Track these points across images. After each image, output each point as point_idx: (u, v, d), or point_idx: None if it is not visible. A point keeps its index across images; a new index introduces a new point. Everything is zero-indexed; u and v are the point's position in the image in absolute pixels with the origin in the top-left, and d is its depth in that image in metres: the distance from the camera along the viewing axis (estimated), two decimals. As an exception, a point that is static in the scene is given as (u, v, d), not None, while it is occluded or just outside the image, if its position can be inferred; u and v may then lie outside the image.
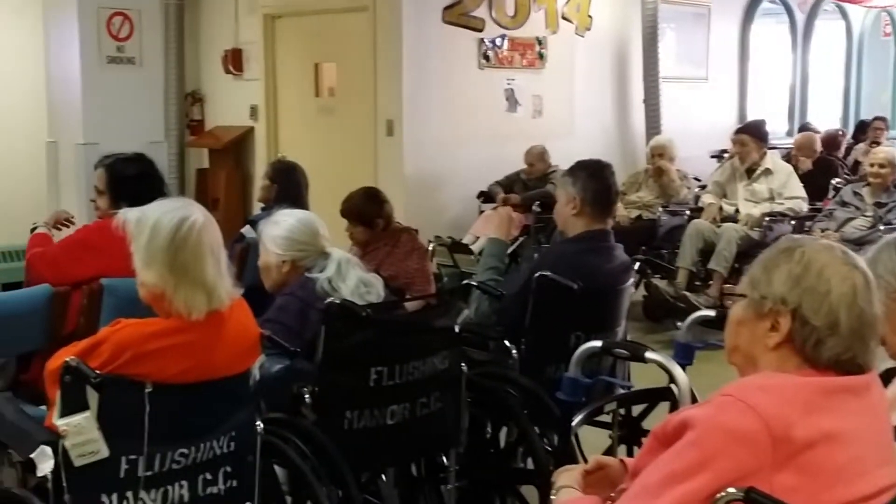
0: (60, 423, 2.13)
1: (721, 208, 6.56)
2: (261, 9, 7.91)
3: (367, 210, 4.58)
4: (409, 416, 2.90)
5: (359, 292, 3.05)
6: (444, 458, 3.16)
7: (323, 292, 3.00)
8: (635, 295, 3.85)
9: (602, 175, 3.48)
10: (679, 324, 6.13)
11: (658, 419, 3.11)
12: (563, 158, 6.42)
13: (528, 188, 7.24)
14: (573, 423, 2.68)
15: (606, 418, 3.13)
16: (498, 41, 7.66)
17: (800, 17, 10.66)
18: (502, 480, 3.34)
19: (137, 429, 2.20)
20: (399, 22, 7.05)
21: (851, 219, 6.24)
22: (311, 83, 7.84)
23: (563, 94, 8.15)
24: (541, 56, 7.97)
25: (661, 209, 6.81)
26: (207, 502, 2.38)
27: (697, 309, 5.27)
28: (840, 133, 9.68)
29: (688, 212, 6.73)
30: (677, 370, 2.65)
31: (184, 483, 2.32)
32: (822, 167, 7.92)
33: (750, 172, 6.60)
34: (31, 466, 2.20)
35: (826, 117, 10.95)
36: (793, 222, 6.36)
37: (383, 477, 3.08)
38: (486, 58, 7.61)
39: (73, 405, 2.14)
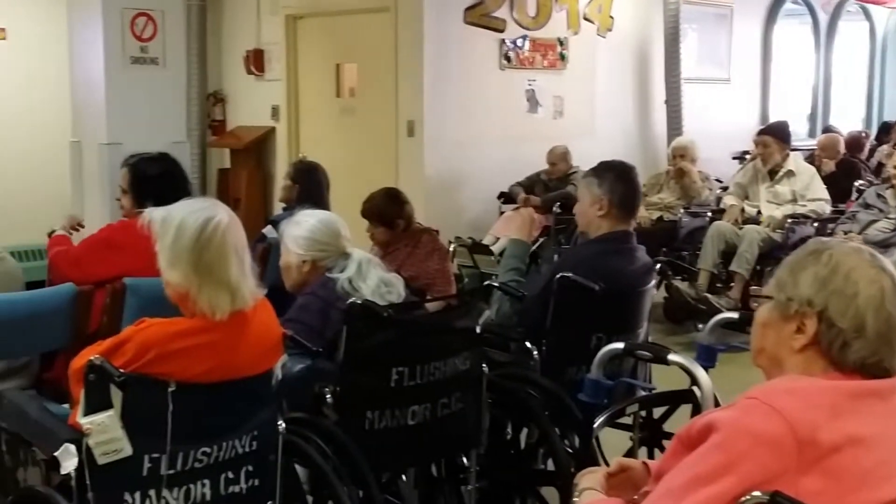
0: (84, 422, 2.15)
1: (743, 210, 6.53)
2: (283, 9, 7.93)
3: (387, 211, 4.59)
4: (430, 417, 2.90)
5: (379, 292, 3.06)
6: (465, 459, 3.16)
7: (343, 292, 3.00)
8: (656, 297, 3.83)
9: (629, 177, 3.49)
10: (700, 326, 6.18)
11: (679, 422, 3.12)
12: (583, 159, 6.41)
13: (548, 189, 7.23)
14: (595, 425, 2.67)
15: (627, 420, 3.12)
16: (519, 42, 7.65)
17: (823, 18, 10.59)
18: (523, 481, 3.33)
19: (160, 427, 2.21)
20: (420, 23, 7.05)
21: (875, 221, 6.18)
22: (333, 84, 7.86)
23: (585, 95, 8.14)
24: (562, 57, 7.96)
25: (682, 211, 6.79)
26: (229, 501, 2.38)
27: (718, 311, 5.25)
28: (863, 134, 9.61)
29: (709, 213, 6.70)
30: (700, 372, 2.64)
31: (206, 482, 2.33)
32: (846, 169, 7.87)
33: (772, 174, 6.57)
34: (54, 464, 2.22)
35: (849, 119, 10.87)
36: (815, 224, 6.32)
37: (403, 477, 3.09)
38: (508, 58, 7.60)
39: (97, 404, 2.15)
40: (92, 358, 2.16)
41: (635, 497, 1.77)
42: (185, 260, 2.32)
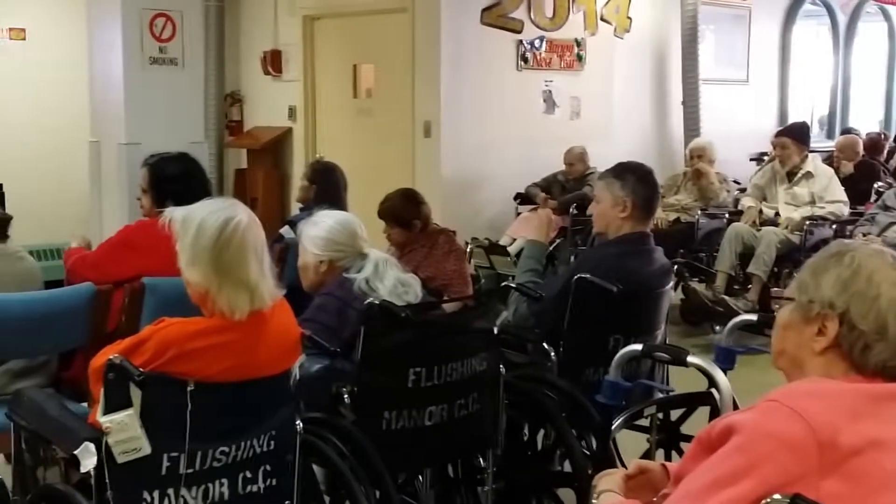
0: (104, 420, 2.15)
1: (761, 211, 6.50)
2: (300, 10, 7.96)
3: (404, 211, 4.59)
4: (447, 418, 2.90)
5: (396, 292, 3.06)
6: (481, 460, 3.16)
7: (361, 292, 3.01)
8: (672, 298, 3.82)
9: (651, 179, 3.50)
10: (717, 328, 6.16)
11: (696, 424, 3.11)
12: (600, 160, 6.40)
13: (565, 190, 7.22)
14: (612, 427, 2.67)
15: (644, 422, 3.11)
16: (536, 43, 7.64)
17: (842, 19, 10.54)
18: (539, 483, 3.33)
19: (179, 426, 2.22)
20: (437, 23, 7.06)
21: (894, 223, 6.15)
22: (350, 84, 7.88)
23: (602, 96, 8.12)
24: (579, 58, 7.95)
25: (699, 212, 6.76)
26: (247, 500, 2.39)
27: (736, 313, 5.23)
28: (882, 136, 9.56)
29: (727, 215, 6.68)
30: (719, 375, 2.63)
31: (224, 481, 2.34)
32: (864, 171, 7.83)
33: (791, 175, 6.53)
34: (74, 463, 2.22)
35: (868, 120, 10.81)
36: (834, 226, 6.29)
37: (420, 478, 3.08)
38: (525, 59, 7.60)
39: (116, 402, 2.16)
40: (111, 357, 2.17)
41: (654, 499, 1.76)
42: (204, 259, 2.32)
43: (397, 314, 2.79)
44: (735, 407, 2.65)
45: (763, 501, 1.45)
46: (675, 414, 3.34)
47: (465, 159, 7.29)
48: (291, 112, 8.18)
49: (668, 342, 3.69)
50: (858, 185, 7.20)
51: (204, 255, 2.32)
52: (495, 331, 3.05)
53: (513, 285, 3.51)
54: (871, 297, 1.58)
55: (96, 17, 5.58)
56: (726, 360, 2.89)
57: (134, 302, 3.47)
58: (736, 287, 6.33)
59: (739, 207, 6.73)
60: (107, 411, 2.17)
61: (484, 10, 7.32)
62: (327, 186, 5.12)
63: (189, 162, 3.85)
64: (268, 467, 2.42)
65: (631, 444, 3.18)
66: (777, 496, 1.45)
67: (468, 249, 6.07)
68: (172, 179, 3.68)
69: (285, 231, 4.83)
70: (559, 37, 7.80)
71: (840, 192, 6.47)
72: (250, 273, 2.33)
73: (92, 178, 5.69)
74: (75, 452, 2.19)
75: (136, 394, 2.17)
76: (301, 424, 2.51)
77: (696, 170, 7.00)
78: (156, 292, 3.44)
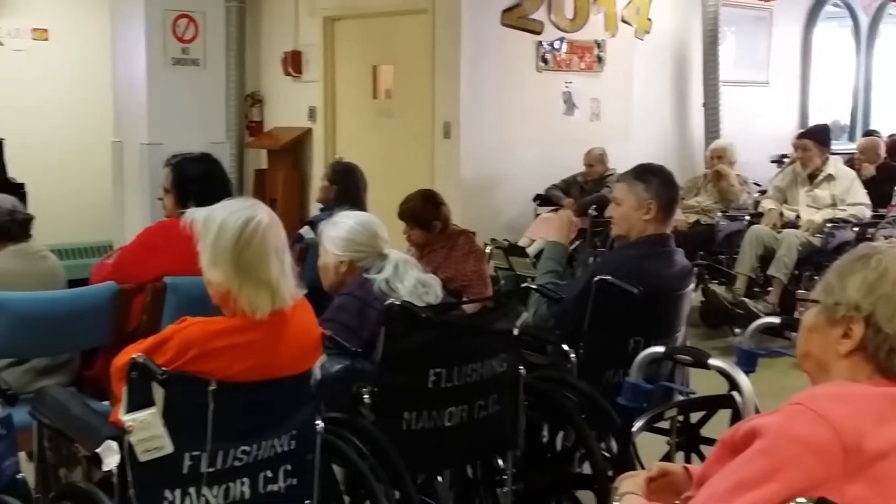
0: (126, 419, 2.17)
1: (782, 214, 6.47)
2: (321, 11, 7.97)
3: (424, 212, 4.60)
4: (467, 419, 2.91)
5: (416, 293, 3.06)
6: (501, 461, 3.16)
7: (381, 293, 3.01)
8: (692, 300, 3.81)
9: (673, 181, 3.51)
10: (737, 330, 6.13)
11: (716, 427, 3.09)
12: (620, 162, 6.38)
13: (584, 191, 7.21)
14: (633, 429, 2.66)
15: (664, 424, 3.10)
16: (556, 44, 7.63)
17: (864, 21, 10.47)
18: (559, 485, 3.32)
19: (201, 425, 2.23)
20: (458, 24, 7.06)
21: (916, 226, 6.11)
22: (369, 85, 7.89)
23: (622, 98, 8.10)
24: (599, 59, 7.93)
25: (719, 214, 6.74)
26: (268, 500, 2.39)
27: (756, 316, 5.22)
28: (904, 138, 9.49)
29: (747, 217, 6.65)
30: (742, 378, 2.62)
31: (245, 480, 2.34)
32: (886, 173, 7.76)
33: (812, 178, 6.50)
34: (96, 461, 2.24)
35: (890, 122, 10.73)
36: (855, 229, 6.25)
37: (439, 478, 3.08)
38: (545, 61, 7.59)
39: (139, 401, 2.17)
40: (134, 356, 2.19)
41: (676, 502, 1.76)
42: (225, 259, 2.33)
43: (418, 315, 2.80)
44: (756, 410, 2.64)
45: (787, 505, 1.45)
46: (695, 417, 3.33)
47: (484, 160, 7.29)
48: (311, 113, 8.20)
49: (687, 344, 3.68)
50: (880, 188, 7.14)
51: (225, 255, 2.33)
52: (515, 332, 3.05)
53: (533, 286, 3.51)
54: (897, 300, 1.57)
55: (119, 18, 5.61)
56: (748, 363, 2.87)
57: (155, 301, 3.49)
58: (756, 289, 6.30)
59: (760, 210, 6.70)
60: (129, 410, 2.18)
61: (504, 12, 7.32)
62: (347, 187, 5.13)
63: (211, 163, 3.87)
64: (288, 467, 2.43)
65: (650, 446, 3.17)
66: (801, 500, 1.44)
67: (488, 251, 6.07)
68: (195, 180, 3.68)
69: (305, 231, 4.84)
70: (579, 38, 7.79)
71: (862, 195, 6.43)
72: (271, 272, 2.34)
73: (114, 178, 5.73)
74: (98, 451, 2.20)
75: (158, 393, 2.18)
76: (321, 424, 2.51)
77: (716, 171, 6.98)
78: (177, 292, 3.45)
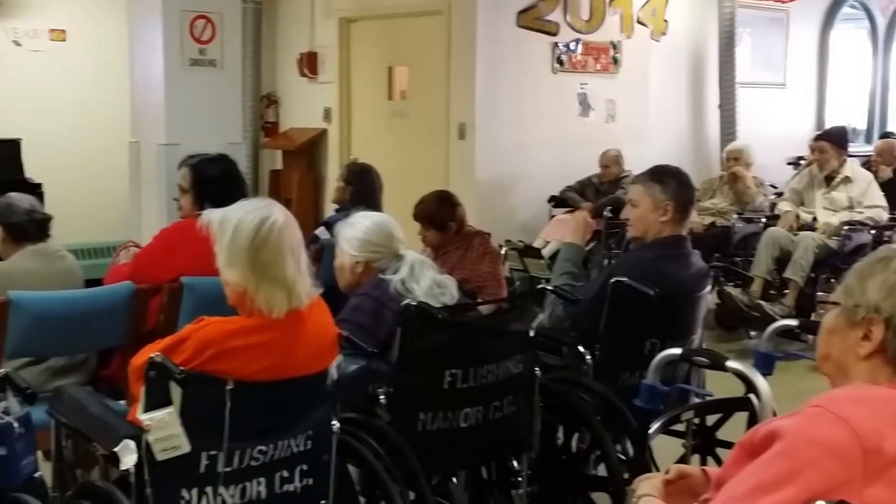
0: (144, 418, 2.18)
1: (798, 216, 6.44)
2: (337, 12, 7.99)
3: (439, 213, 4.60)
4: (483, 420, 2.90)
5: (432, 294, 3.06)
6: (516, 463, 3.15)
7: (397, 293, 3.01)
8: (708, 302, 3.80)
9: (689, 183, 3.50)
10: (753, 333, 6.10)
11: (732, 430, 3.08)
12: (635, 164, 6.37)
13: (600, 193, 7.19)
14: (650, 431, 2.65)
15: (679, 427, 3.09)
16: (572, 45, 7.62)
17: (881, 22, 10.41)
18: (574, 487, 3.32)
19: (218, 425, 2.24)
20: (473, 26, 7.06)
21: (934, 229, 6.08)
22: (385, 86, 7.89)
23: (637, 99, 8.08)
24: (615, 60, 7.92)
25: (735, 216, 6.72)
26: (284, 500, 2.40)
27: (772, 318, 5.19)
28: (922, 140, 9.43)
29: (763, 219, 6.62)
30: (759, 380, 2.61)
31: (261, 480, 2.35)
32: (904, 175, 7.72)
33: (829, 180, 6.47)
34: (114, 460, 2.24)
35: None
36: (872, 231, 6.22)
37: (454, 479, 3.08)
38: (560, 62, 7.58)
39: (156, 400, 2.18)
40: (153, 355, 2.20)
41: (694, 505, 1.75)
42: (242, 259, 2.34)
43: (434, 315, 2.80)
44: (773, 413, 2.63)
45: (806, 508, 1.44)
46: (711, 419, 3.31)
47: (499, 162, 7.29)
48: (326, 114, 8.21)
49: (704, 347, 3.67)
50: (897, 190, 7.10)
51: (241, 255, 2.34)
52: (531, 333, 3.05)
53: (549, 287, 3.50)
54: (917, 302, 1.56)
55: (137, 19, 5.63)
56: (765, 366, 2.86)
57: (172, 301, 3.50)
58: (772, 292, 6.27)
59: (776, 212, 6.68)
60: (147, 409, 2.19)
61: (520, 13, 7.31)
62: (363, 188, 5.13)
63: (228, 164, 3.88)
64: (304, 467, 2.43)
65: (665, 449, 3.16)
66: (821, 503, 1.43)
67: (503, 252, 6.06)
68: (213, 181, 3.69)
69: (320, 232, 4.85)
70: (595, 39, 7.78)
71: (879, 197, 6.40)
72: (287, 271, 2.35)
73: (131, 179, 5.75)
74: (115, 450, 2.21)
75: (176, 392, 2.19)
76: (337, 425, 2.52)
77: (732, 173, 6.95)
78: (194, 292, 3.47)
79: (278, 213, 2.40)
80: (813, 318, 5.46)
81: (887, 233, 6.25)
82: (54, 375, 3.47)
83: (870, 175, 6.67)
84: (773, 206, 6.96)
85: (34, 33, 7.83)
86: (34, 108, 7.68)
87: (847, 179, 6.42)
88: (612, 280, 3.27)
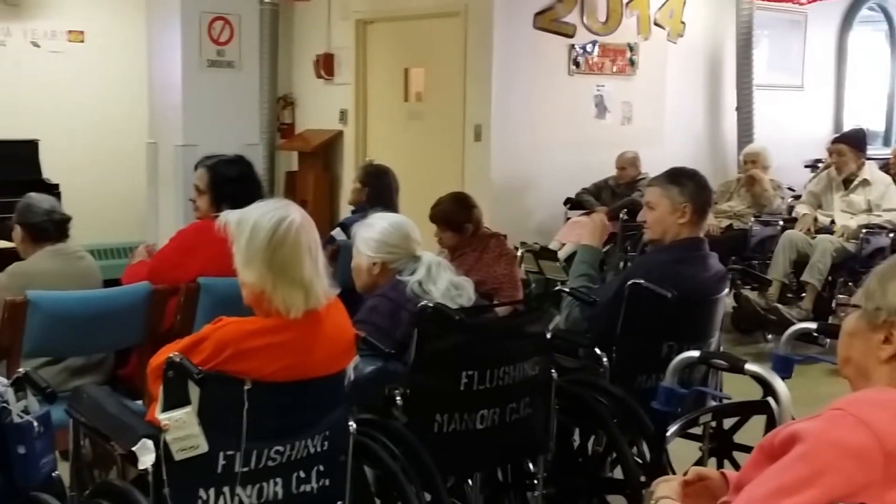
0: (163, 418, 2.18)
1: (816, 219, 6.42)
2: (353, 14, 8.00)
3: (456, 215, 4.60)
4: (499, 422, 2.90)
5: (449, 295, 3.06)
6: (531, 465, 3.15)
7: (413, 295, 3.02)
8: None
9: (706, 184, 3.49)
10: (769, 336, 6.07)
11: (749, 433, 3.07)
12: (652, 166, 6.35)
13: (616, 195, 7.18)
14: (667, 434, 2.64)
15: (696, 430, 3.08)
16: (589, 47, 7.61)
17: (900, 24, 10.35)
18: (590, 489, 3.31)
19: (236, 425, 2.24)
20: (490, 27, 7.06)
21: (953, 232, 6.04)
22: (401, 88, 7.90)
23: (654, 101, 8.06)
24: (632, 62, 7.90)
25: (752, 219, 6.69)
26: (300, 500, 2.40)
27: (789, 322, 5.17)
28: (941, 143, 9.38)
29: (781, 222, 6.60)
30: (779, 383, 2.59)
31: (278, 480, 2.36)
32: (922, 178, 7.67)
33: (847, 183, 6.44)
34: (132, 459, 2.25)
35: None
36: (891, 235, 6.18)
37: (469, 481, 3.08)
38: (577, 64, 7.57)
39: (175, 400, 2.19)
40: (171, 354, 2.20)
41: (713, 507, 1.74)
42: (259, 259, 2.35)
43: (451, 317, 2.80)
44: (791, 417, 2.61)
45: (827, 511, 1.43)
46: (727, 423, 3.30)
47: (515, 164, 7.28)
48: (342, 115, 8.22)
49: (721, 350, 3.65)
50: (916, 193, 7.05)
51: (258, 255, 2.34)
52: (548, 335, 3.04)
53: (566, 290, 3.49)
54: (938, 305, 1.55)
55: (156, 20, 5.66)
56: (783, 369, 2.84)
57: (189, 301, 3.51)
58: (789, 295, 6.25)
59: (794, 215, 6.65)
60: (165, 408, 2.19)
61: (537, 15, 7.30)
62: (380, 189, 5.14)
63: (245, 165, 3.89)
64: (321, 467, 2.44)
65: (682, 452, 3.15)
66: (841, 506, 1.43)
67: (518, 254, 6.06)
68: (230, 182, 3.70)
69: (336, 233, 4.86)
70: (612, 41, 7.76)
71: (898, 201, 6.36)
72: (304, 271, 2.35)
73: (149, 179, 5.78)
74: (133, 449, 2.22)
75: (194, 392, 2.19)
76: (354, 425, 2.52)
77: (749, 176, 6.93)
78: (211, 292, 3.48)
79: (295, 214, 2.40)
80: (831, 321, 5.44)
81: (905, 236, 6.22)
82: (72, 375, 3.49)
83: (888, 178, 6.63)
84: (790, 208, 6.93)
85: (52, 35, 7.88)
86: (52, 109, 7.72)
87: (865, 182, 6.39)
88: (630, 282, 3.26)
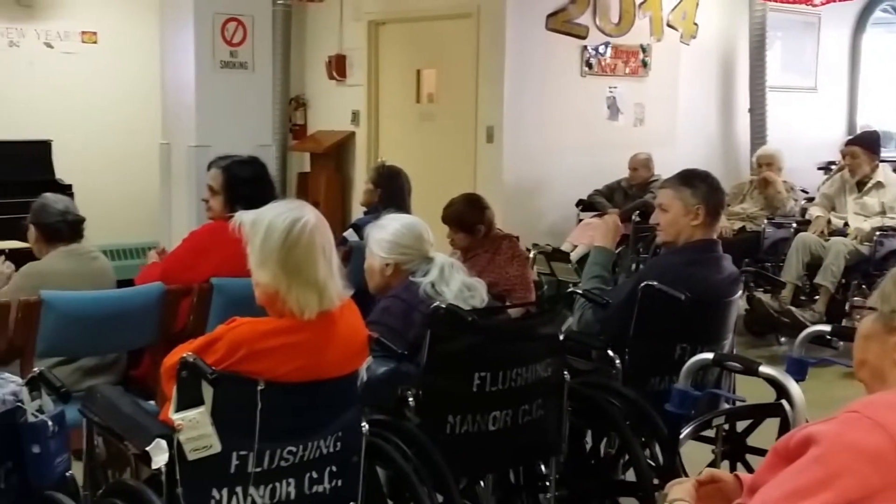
0: (176, 417, 2.18)
1: (829, 221, 6.39)
2: (366, 15, 8.00)
3: (468, 216, 4.60)
4: (511, 423, 2.90)
5: (462, 296, 3.06)
6: (544, 467, 3.14)
7: (426, 296, 3.01)
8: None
9: (719, 186, 3.48)
10: (782, 339, 6.05)
11: (762, 436, 3.06)
12: (664, 167, 6.34)
13: (628, 197, 7.17)
14: (681, 436, 2.63)
15: (709, 433, 3.07)
16: (601, 49, 7.60)
17: (914, 26, 10.32)
18: (602, 491, 3.30)
19: (249, 425, 2.24)
20: (502, 29, 7.06)
21: (967, 235, 6.00)
22: (413, 89, 7.90)
23: (666, 103, 8.05)
24: (644, 64, 7.89)
25: (766, 221, 6.67)
26: (313, 500, 2.40)
27: (803, 324, 5.15)
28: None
29: (794, 224, 6.58)
30: (793, 386, 2.58)
31: (291, 480, 2.36)
32: (936, 181, 7.63)
33: (860, 185, 6.42)
34: (145, 459, 2.26)
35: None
36: (905, 237, 6.16)
37: (481, 483, 3.08)
38: (589, 65, 7.56)
39: (188, 400, 2.19)
40: (185, 355, 2.20)
41: (727, 510, 1.74)
42: (273, 260, 2.35)
43: (464, 318, 2.79)
44: (806, 420, 2.60)
45: (842, 514, 1.42)
46: (741, 426, 3.29)
47: (527, 165, 7.28)
48: (354, 116, 8.23)
49: (735, 352, 3.64)
50: (930, 196, 7.02)
51: (273, 256, 2.35)
52: (560, 337, 3.03)
53: (579, 291, 3.49)
54: (955, 308, 1.54)
55: (169, 22, 5.67)
56: (798, 371, 2.83)
57: (202, 302, 3.52)
58: (802, 298, 6.23)
59: (807, 217, 6.63)
60: (179, 408, 2.20)
61: (549, 16, 7.30)
62: (392, 190, 5.14)
63: (259, 166, 3.89)
64: (333, 468, 2.44)
65: (695, 455, 3.14)
66: (856, 509, 1.42)
67: (531, 255, 6.05)
68: (245, 183, 3.70)
69: (349, 234, 4.86)
70: (624, 43, 7.75)
71: (911, 203, 6.33)
72: (318, 272, 2.35)
73: (162, 180, 5.79)
74: (147, 449, 2.23)
75: (207, 392, 2.19)
76: (366, 426, 2.52)
77: (763, 178, 6.91)
78: (223, 292, 3.49)
79: (310, 215, 2.40)
80: (844, 323, 5.41)
81: (920, 239, 6.19)
82: (85, 375, 3.50)
83: (902, 180, 6.60)
84: (803, 211, 6.91)
85: (66, 35, 7.91)
86: (65, 110, 7.76)
87: (879, 185, 6.37)
88: (643, 284, 3.25)
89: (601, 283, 3.53)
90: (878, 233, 6.10)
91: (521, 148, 7.19)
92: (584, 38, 7.50)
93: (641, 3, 7.81)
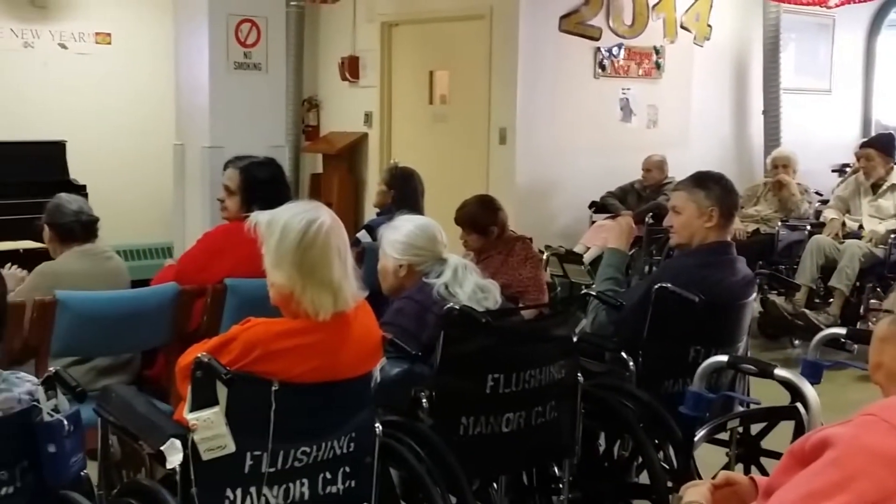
0: (191, 417, 2.19)
1: (844, 224, 6.37)
2: (379, 17, 8.01)
3: (481, 218, 4.59)
4: (525, 425, 2.89)
5: (476, 298, 3.05)
6: (557, 469, 3.14)
7: (440, 297, 3.01)
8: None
9: (733, 188, 3.48)
10: (796, 342, 6.03)
11: (777, 439, 3.04)
12: (677, 169, 6.33)
13: (641, 199, 7.16)
14: (695, 439, 2.63)
15: (723, 436, 3.06)
16: (615, 50, 7.60)
17: (929, 28, 10.26)
18: (616, 494, 3.30)
19: (263, 425, 2.25)
20: (515, 30, 7.05)
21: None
22: (425, 90, 7.91)
23: (680, 105, 8.04)
24: (658, 65, 7.88)
25: (780, 223, 6.65)
26: (326, 501, 2.41)
27: (817, 327, 5.13)
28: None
29: (808, 227, 6.55)
30: (808, 389, 2.58)
31: (305, 481, 2.36)
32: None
33: (875, 188, 6.40)
34: (159, 459, 2.26)
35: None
36: (920, 240, 6.13)
37: (494, 485, 3.07)
38: (602, 67, 7.56)
39: (203, 400, 2.20)
40: (200, 355, 2.21)
41: (742, 513, 1.73)
42: (288, 260, 2.35)
43: (478, 320, 2.79)
44: (820, 423, 2.59)
45: (859, 517, 1.42)
46: (755, 428, 3.28)
47: (540, 167, 7.27)
48: (367, 118, 8.24)
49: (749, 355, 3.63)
50: (945, 199, 6.98)
51: (288, 256, 2.35)
52: (574, 339, 3.03)
53: (593, 293, 3.48)
54: (973, 310, 1.53)
55: (183, 23, 5.68)
56: (813, 374, 2.82)
57: (216, 302, 3.53)
58: (817, 301, 6.21)
59: (822, 219, 6.61)
60: (193, 408, 2.20)
61: (562, 18, 7.30)
62: (406, 192, 5.14)
63: (276, 167, 3.90)
64: (347, 469, 2.44)
65: (709, 457, 3.13)
66: (873, 512, 1.41)
67: (544, 257, 6.05)
68: (262, 184, 3.71)
69: (362, 235, 4.87)
70: (638, 44, 7.74)
71: (927, 206, 6.31)
72: (333, 273, 2.35)
73: (176, 181, 5.80)
74: (162, 448, 2.23)
75: (222, 392, 2.20)
76: (380, 427, 2.52)
77: (777, 180, 6.89)
78: (237, 293, 3.49)
79: (325, 216, 2.41)
80: (859, 326, 5.39)
81: (935, 242, 6.16)
82: (99, 375, 3.51)
83: (918, 183, 6.57)
84: (818, 213, 6.89)
85: (80, 36, 7.94)
86: (79, 111, 7.79)
87: (894, 187, 6.35)
88: (657, 286, 3.24)
89: (615, 285, 3.53)
90: (892, 235, 6.09)
91: (533, 149, 7.18)
92: (597, 39, 7.49)
93: (655, 5, 7.80)
